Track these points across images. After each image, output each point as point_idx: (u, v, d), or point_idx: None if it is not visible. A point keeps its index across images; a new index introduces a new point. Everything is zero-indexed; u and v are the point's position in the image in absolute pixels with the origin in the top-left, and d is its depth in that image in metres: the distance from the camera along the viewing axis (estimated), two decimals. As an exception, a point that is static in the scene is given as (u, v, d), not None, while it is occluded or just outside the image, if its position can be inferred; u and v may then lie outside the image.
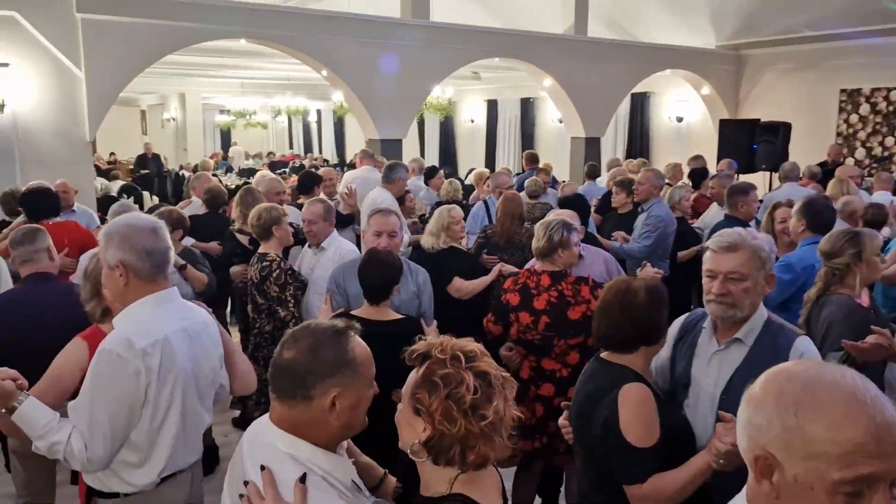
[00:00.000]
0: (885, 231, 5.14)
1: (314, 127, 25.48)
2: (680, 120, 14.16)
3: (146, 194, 13.49)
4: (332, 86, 11.06)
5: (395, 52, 9.78)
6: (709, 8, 12.50)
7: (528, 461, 3.51)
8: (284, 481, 1.48)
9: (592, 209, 6.50)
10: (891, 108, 11.37)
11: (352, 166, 14.51)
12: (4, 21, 7.28)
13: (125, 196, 12.38)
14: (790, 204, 4.42)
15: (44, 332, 3.01)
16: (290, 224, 4.62)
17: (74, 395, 2.22)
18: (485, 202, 6.65)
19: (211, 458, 4.36)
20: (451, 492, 1.47)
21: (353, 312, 3.13)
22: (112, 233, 2.22)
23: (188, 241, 4.91)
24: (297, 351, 1.56)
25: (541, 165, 9.42)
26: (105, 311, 2.57)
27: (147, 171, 16.46)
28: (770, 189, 8.91)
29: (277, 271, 4.12)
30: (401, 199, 6.28)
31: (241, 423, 5.24)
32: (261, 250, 4.32)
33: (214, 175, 12.46)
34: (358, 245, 4.93)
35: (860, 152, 11.70)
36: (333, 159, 21.92)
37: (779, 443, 1.09)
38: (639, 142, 14.73)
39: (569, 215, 3.93)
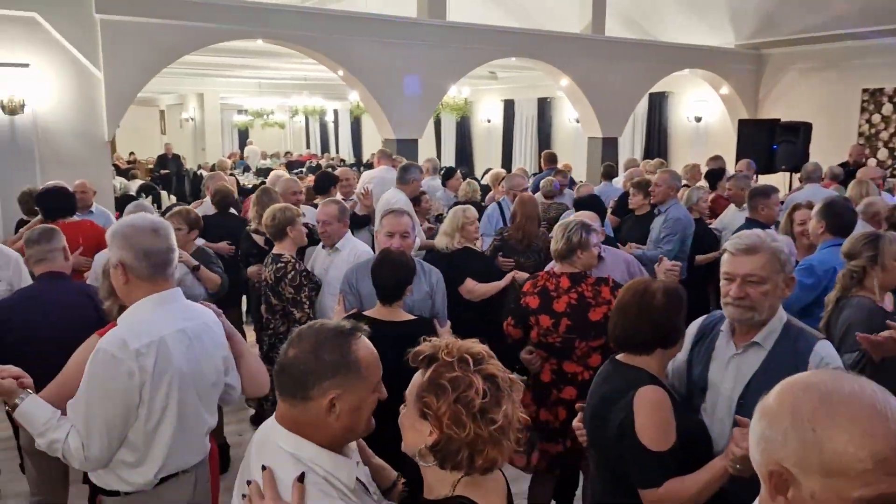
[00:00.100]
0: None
1: (331, 127, 25.58)
2: (699, 120, 14.04)
3: (164, 194, 13.57)
4: (348, 86, 11.07)
5: (414, 61, 9.78)
6: (728, 7, 12.37)
7: (555, 465, 3.47)
8: (284, 481, 1.47)
9: (609, 210, 6.45)
10: (914, 108, 11.21)
11: (368, 166, 14.56)
12: (25, 22, 7.35)
13: (143, 195, 12.48)
14: (810, 206, 4.36)
15: (52, 332, 3.04)
16: (305, 224, 4.62)
17: None
18: (499, 204, 6.60)
19: (223, 458, 4.38)
20: (453, 494, 1.45)
21: (365, 313, 3.11)
22: (115, 232, 2.26)
23: (199, 242, 4.93)
24: (300, 350, 1.55)
25: (560, 166, 9.36)
26: (122, 309, 2.58)
27: (167, 171, 16.59)
28: (790, 190, 8.79)
29: (292, 273, 4.11)
30: (416, 200, 6.26)
31: (257, 422, 5.26)
32: (275, 251, 4.31)
33: (231, 175, 12.55)
34: (373, 246, 4.92)
35: (882, 153, 11.52)
36: (350, 159, 22.00)
37: (795, 458, 1.05)
38: (657, 142, 14.63)
39: (589, 217, 3.89)
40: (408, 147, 9.88)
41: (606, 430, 2.19)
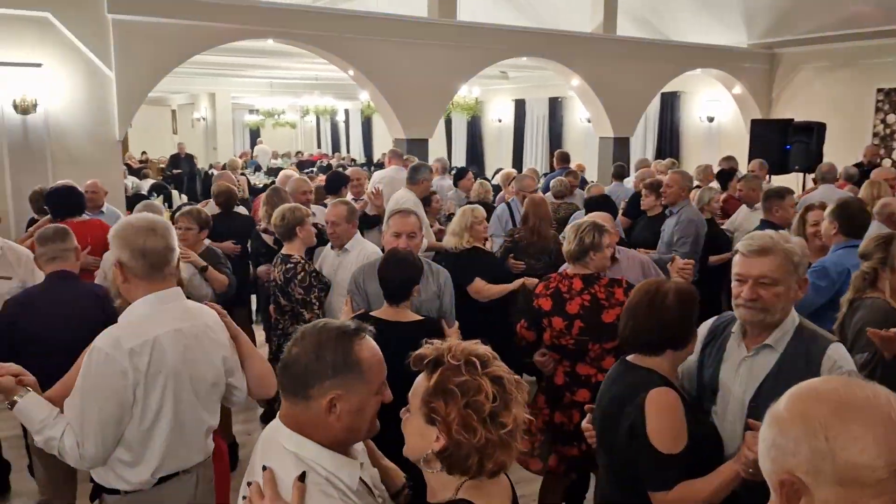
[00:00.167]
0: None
1: (342, 126, 25.63)
2: (711, 120, 13.96)
3: (175, 193, 13.62)
4: (358, 85, 11.07)
5: (425, 61, 9.78)
6: (741, 6, 12.29)
7: (572, 468, 3.44)
8: (285, 480, 1.46)
9: (620, 211, 6.41)
10: (930, 108, 11.09)
11: (379, 166, 14.56)
12: (38, 22, 7.40)
13: (155, 195, 12.52)
14: (823, 206, 4.31)
15: (59, 331, 3.04)
16: (314, 224, 4.60)
17: None
18: (508, 204, 6.57)
19: (232, 457, 4.38)
20: (456, 497, 1.43)
21: (372, 313, 3.10)
22: (114, 232, 2.27)
23: (205, 242, 4.93)
24: (302, 349, 1.54)
25: (572, 166, 9.32)
26: None
27: (179, 171, 16.65)
28: (804, 191, 8.72)
29: (302, 273, 4.09)
30: (426, 200, 6.25)
31: (267, 421, 5.25)
32: (284, 251, 4.29)
33: (242, 174, 12.58)
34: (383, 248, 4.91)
35: (897, 153, 11.43)
36: (361, 159, 22.03)
37: (807, 467, 1.03)
38: (669, 142, 14.56)
39: (603, 218, 3.86)
40: (418, 147, 9.87)
41: (617, 432, 2.17)
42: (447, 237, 4.82)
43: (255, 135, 24.52)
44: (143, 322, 2.19)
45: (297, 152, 22.48)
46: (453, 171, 9.51)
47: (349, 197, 6.45)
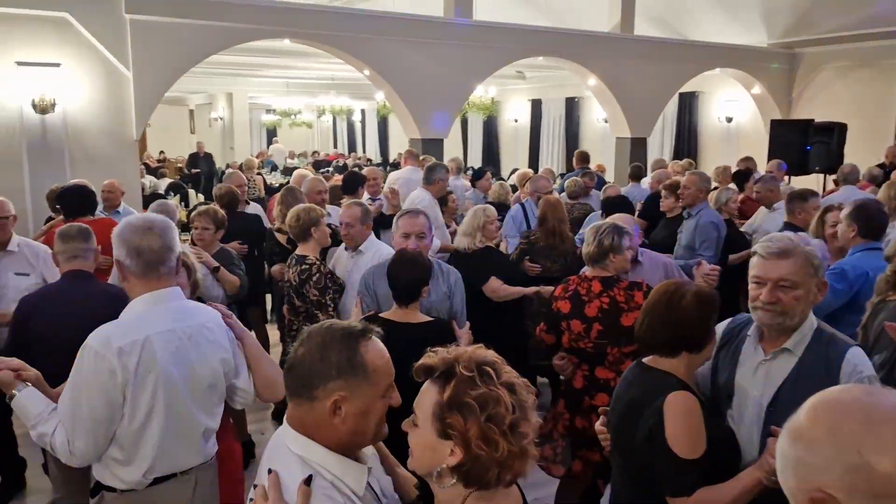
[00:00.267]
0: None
1: (358, 126, 25.70)
2: (729, 120, 13.84)
3: (192, 192, 13.71)
4: (374, 85, 11.08)
5: (441, 61, 9.78)
6: (760, 5, 12.18)
7: (597, 473, 3.39)
8: (289, 485, 1.43)
9: (636, 212, 6.34)
10: (954, 108, 10.91)
11: (395, 166, 14.57)
12: (56, 22, 7.47)
13: (172, 194, 12.61)
14: (843, 208, 4.23)
15: (71, 330, 3.03)
16: (329, 225, 4.59)
17: None
18: (522, 205, 6.52)
19: (246, 454, 4.38)
20: None
21: (381, 315, 3.08)
22: (116, 230, 2.29)
23: None
24: (307, 349, 1.51)
25: (592, 167, 9.25)
26: None
27: (198, 170, 16.74)
28: (824, 192, 8.61)
29: (317, 275, 4.06)
30: (443, 200, 6.22)
31: (278, 417, 5.28)
32: (299, 252, 4.27)
33: (259, 174, 12.62)
34: (397, 249, 4.89)
35: (920, 154, 11.24)
36: (377, 158, 22.05)
37: (840, 483, 0.99)
38: (686, 142, 14.45)
39: (624, 220, 3.81)
40: (434, 147, 9.86)
41: (633, 435, 2.14)
42: (459, 238, 4.78)
43: (271, 134, 24.67)
44: (136, 321, 2.19)
45: (314, 152, 22.55)
46: (468, 172, 9.48)
47: (366, 196, 6.45)
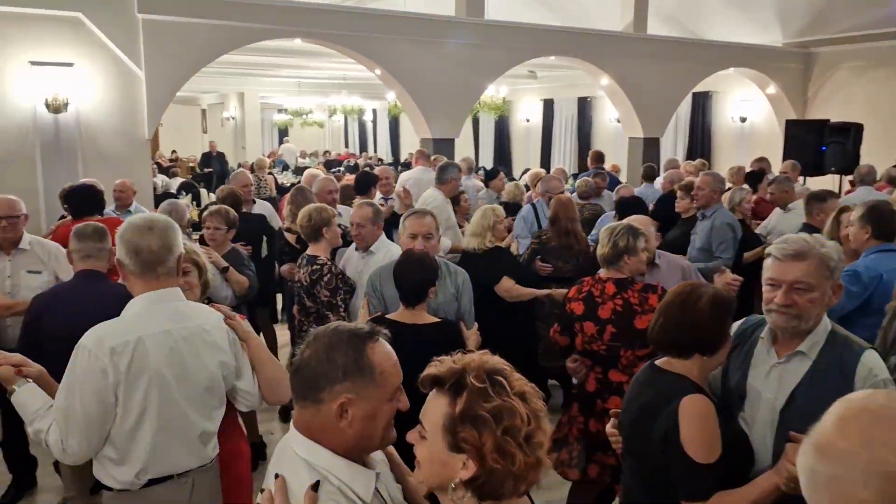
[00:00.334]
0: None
1: (369, 126, 25.75)
2: (744, 120, 13.73)
3: (203, 192, 13.74)
4: (385, 85, 11.07)
5: (452, 60, 9.75)
6: (775, 4, 12.07)
7: (613, 476, 3.34)
8: (296, 490, 1.40)
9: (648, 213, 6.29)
10: (972, 108, 10.77)
11: (406, 165, 14.55)
12: (70, 22, 7.51)
13: (184, 193, 12.65)
14: (855, 209, 4.18)
15: (75, 329, 3.03)
16: (339, 225, 4.56)
17: None
18: (533, 205, 6.48)
19: (256, 456, 4.37)
20: None
21: (388, 316, 3.05)
22: (118, 229, 2.29)
23: None
24: (313, 351, 1.49)
25: (607, 167, 9.19)
26: None
27: (210, 169, 16.80)
28: (840, 193, 8.52)
29: (328, 276, 4.03)
30: (455, 200, 6.19)
31: (285, 416, 5.28)
32: (310, 252, 4.24)
33: (270, 173, 12.65)
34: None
35: (937, 155, 11.11)
36: (388, 158, 22.07)
37: (881, 497, 0.95)
38: (700, 143, 14.35)
39: (642, 221, 3.77)
40: (445, 147, 9.84)
41: (647, 438, 2.12)
42: (468, 238, 4.75)
43: (283, 134, 24.76)
44: (131, 321, 2.19)
45: (325, 152, 22.61)
46: (479, 171, 9.44)
47: (378, 196, 6.43)
